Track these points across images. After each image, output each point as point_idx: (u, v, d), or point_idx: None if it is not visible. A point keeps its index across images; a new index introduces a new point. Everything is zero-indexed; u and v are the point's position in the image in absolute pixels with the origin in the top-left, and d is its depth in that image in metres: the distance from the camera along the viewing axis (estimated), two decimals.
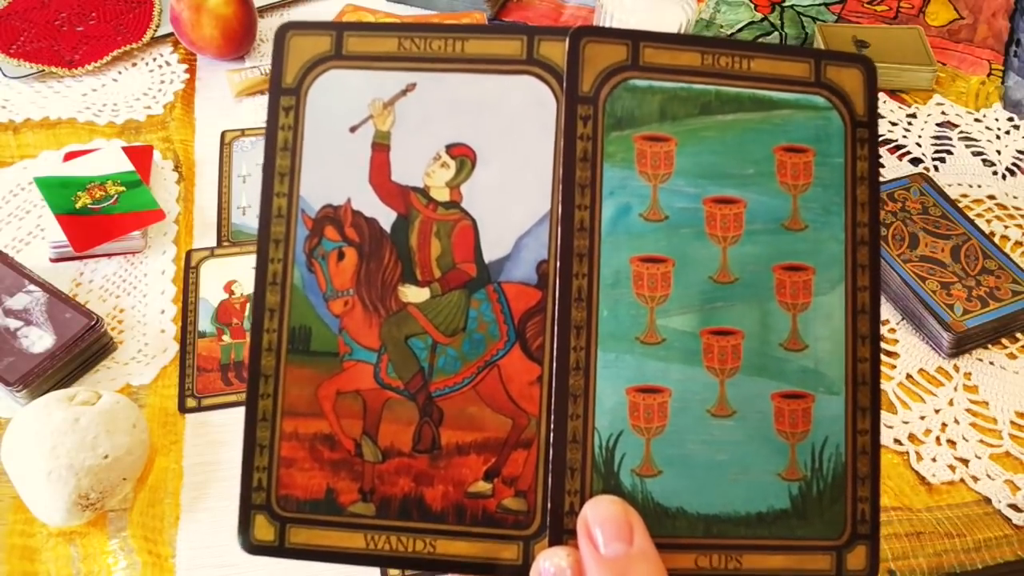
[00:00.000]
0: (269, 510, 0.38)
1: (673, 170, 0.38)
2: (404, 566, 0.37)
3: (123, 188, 0.89)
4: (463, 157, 0.39)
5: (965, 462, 0.74)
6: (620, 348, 0.38)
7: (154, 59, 1.08)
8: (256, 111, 1.01)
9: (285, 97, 0.39)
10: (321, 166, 0.39)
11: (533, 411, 0.38)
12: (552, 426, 0.37)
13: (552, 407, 0.37)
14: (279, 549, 0.38)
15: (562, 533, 0.37)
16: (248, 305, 0.83)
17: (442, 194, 0.39)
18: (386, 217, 0.39)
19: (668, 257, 0.38)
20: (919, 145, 1.00)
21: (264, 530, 0.38)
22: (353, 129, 0.39)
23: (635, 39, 0.38)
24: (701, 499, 0.38)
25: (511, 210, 0.39)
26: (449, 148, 0.39)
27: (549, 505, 0.37)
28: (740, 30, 1.13)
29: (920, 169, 0.97)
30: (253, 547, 0.38)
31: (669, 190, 0.38)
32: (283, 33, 0.39)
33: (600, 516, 0.36)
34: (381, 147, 0.39)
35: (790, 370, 0.38)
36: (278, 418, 0.38)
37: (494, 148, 0.39)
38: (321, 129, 0.39)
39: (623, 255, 0.38)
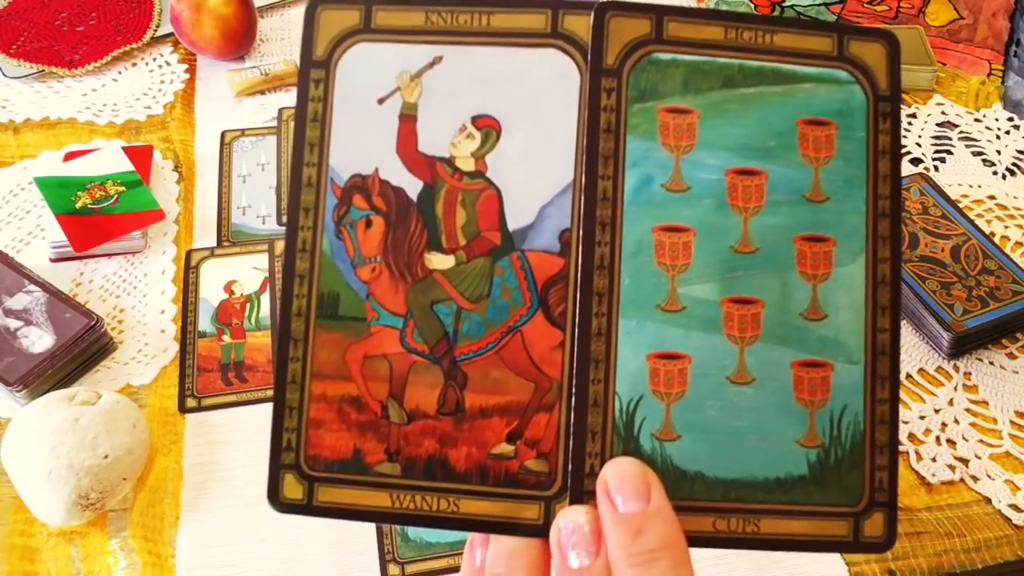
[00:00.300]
0: (298, 469, 0.38)
1: (695, 142, 0.39)
2: (428, 524, 0.38)
3: (123, 188, 0.89)
4: (488, 128, 0.39)
5: (965, 462, 0.74)
6: (641, 315, 0.38)
7: (154, 59, 1.09)
8: (256, 111, 1.01)
9: (315, 69, 0.40)
10: (350, 137, 0.39)
11: (555, 375, 0.39)
12: (574, 390, 0.38)
13: (574, 372, 0.38)
14: (307, 507, 0.38)
15: (582, 494, 0.37)
16: (247, 305, 0.83)
17: (467, 164, 0.39)
18: (413, 186, 0.39)
19: (690, 227, 0.39)
20: (919, 145, 1.01)
21: (293, 489, 0.38)
22: (381, 101, 0.40)
23: (659, 13, 0.39)
24: (719, 463, 0.38)
25: (535, 180, 0.39)
26: (475, 119, 0.39)
27: (570, 467, 0.37)
28: None
29: (920, 169, 0.98)
30: (282, 506, 0.38)
31: (691, 161, 0.39)
32: (313, 7, 0.40)
33: (619, 476, 0.36)
34: (408, 118, 0.39)
35: (809, 339, 0.39)
36: (307, 380, 0.38)
37: (519, 120, 0.39)
38: (350, 101, 0.40)
39: (645, 224, 0.38)
